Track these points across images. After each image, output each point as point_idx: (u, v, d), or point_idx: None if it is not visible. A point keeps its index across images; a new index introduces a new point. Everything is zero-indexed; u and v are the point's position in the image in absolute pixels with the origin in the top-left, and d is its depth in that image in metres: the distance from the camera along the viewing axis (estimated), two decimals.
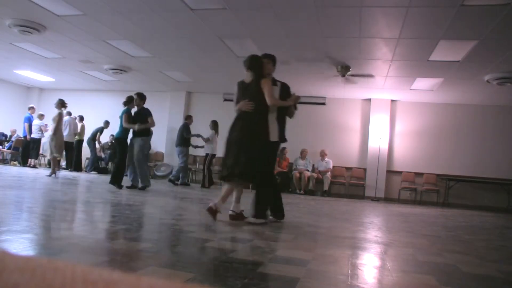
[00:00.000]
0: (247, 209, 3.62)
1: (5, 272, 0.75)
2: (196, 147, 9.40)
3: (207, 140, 9.06)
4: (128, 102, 6.65)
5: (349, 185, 10.67)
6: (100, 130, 11.32)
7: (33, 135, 10.82)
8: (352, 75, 8.51)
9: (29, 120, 10.97)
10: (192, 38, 7.17)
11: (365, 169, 10.64)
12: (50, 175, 7.49)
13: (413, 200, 10.29)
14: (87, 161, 11.82)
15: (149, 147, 11.25)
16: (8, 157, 12.23)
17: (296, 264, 1.92)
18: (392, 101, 10.71)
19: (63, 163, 11.27)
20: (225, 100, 11.71)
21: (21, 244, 1.79)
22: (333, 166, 10.60)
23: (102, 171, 11.19)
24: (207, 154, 9.11)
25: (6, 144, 12.18)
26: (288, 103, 3.54)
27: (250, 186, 3.63)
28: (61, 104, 7.69)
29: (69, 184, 6.52)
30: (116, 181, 6.37)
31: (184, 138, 9.04)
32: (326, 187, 10.25)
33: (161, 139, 12.02)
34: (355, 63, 7.83)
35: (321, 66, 8.17)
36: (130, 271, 1.51)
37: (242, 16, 5.99)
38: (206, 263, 1.79)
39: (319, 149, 10.61)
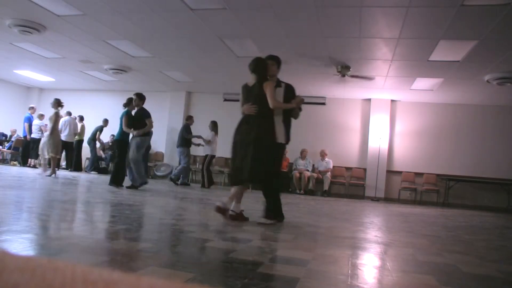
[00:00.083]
0: (247, 209, 3.61)
1: (5, 272, 0.75)
2: (198, 145, 9.38)
3: (208, 142, 9.06)
4: (128, 103, 6.69)
5: (349, 185, 10.67)
6: (100, 129, 11.32)
7: (33, 135, 10.82)
8: (352, 76, 8.51)
9: (29, 120, 10.98)
10: (192, 38, 7.17)
11: (365, 169, 10.64)
12: (50, 175, 7.49)
13: (413, 200, 10.29)
14: (87, 161, 11.82)
15: (149, 147, 11.30)
16: (8, 157, 12.23)
17: (296, 264, 1.92)
18: (392, 101, 10.71)
19: (63, 163, 11.27)
20: (225, 100, 11.71)
21: (21, 244, 1.79)
22: (333, 166, 10.60)
23: (102, 171, 11.19)
24: (206, 155, 9.12)
25: (6, 144, 12.18)
26: (290, 105, 3.53)
27: (250, 186, 3.62)
28: (58, 103, 7.68)
29: (69, 184, 6.52)
30: (116, 182, 6.45)
31: (185, 138, 9.04)
32: (326, 187, 10.25)
33: (161, 139, 12.02)
34: (355, 63, 7.83)
35: (321, 66, 8.17)
36: (130, 271, 1.51)
37: (242, 16, 5.99)
38: (206, 263, 1.79)
39: (319, 149, 10.61)
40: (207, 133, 9.33)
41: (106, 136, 11.63)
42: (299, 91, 3.86)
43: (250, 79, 3.62)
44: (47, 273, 0.78)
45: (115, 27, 6.91)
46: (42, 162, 7.90)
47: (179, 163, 9.34)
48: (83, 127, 11.35)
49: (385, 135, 10.50)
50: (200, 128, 10.22)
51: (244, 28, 6.46)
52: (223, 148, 10.48)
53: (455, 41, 6.25)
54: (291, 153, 10.39)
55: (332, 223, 4.04)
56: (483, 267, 2.24)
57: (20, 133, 11.72)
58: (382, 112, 10.63)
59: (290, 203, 5.99)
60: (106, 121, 11.42)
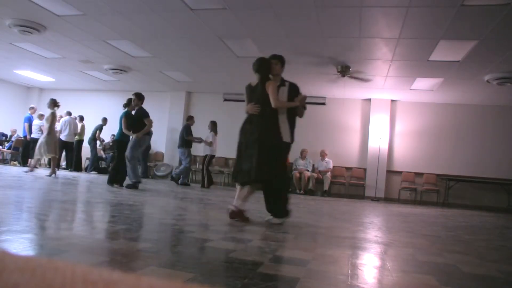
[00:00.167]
0: (249, 209, 3.61)
1: (5, 272, 0.75)
2: (200, 141, 9.35)
3: (210, 144, 9.05)
4: (128, 104, 6.72)
5: (349, 185, 10.67)
6: (99, 128, 11.31)
7: (33, 135, 10.82)
8: (352, 77, 8.51)
9: (29, 120, 10.98)
10: (192, 38, 7.17)
11: (365, 169, 10.64)
12: (50, 175, 7.49)
13: (413, 200, 10.29)
14: (87, 161, 11.82)
15: (149, 147, 11.30)
16: (8, 157, 12.23)
17: (296, 264, 1.92)
18: (392, 101, 10.71)
19: (63, 163, 11.28)
20: (225, 100, 11.72)
21: (21, 244, 1.79)
22: (333, 166, 10.60)
23: (102, 171, 11.19)
24: (206, 155, 9.12)
25: (6, 144, 12.18)
26: (293, 104, 3.52)
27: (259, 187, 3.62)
28: (54, 103, 7.67)
29: (69, 184, 6.52)
30: (113, 181, 6.54)
31: (185, 139, 9.04)
32: (326, 187, 10.25)
33: (161, 139, 12.03)
34: (355, 63, 7.83)
35: (321, 66, 8.17)
36: (130, 271, 1.51)
37: (242, 16, 5.99)
38: (206, 263, 1.79)
39: (319, 149, 10.62)
40: (206, 133, 9.33)
41: (106, 136, 11.61)
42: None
43: (254, 79, 3.63)
44: (47, 273, 0.78)
45: (115, 27, 6.91)
46: (33, 162, 7.88)
47: (179, 163, 9.35)
48: (83, 127, 11.35)
49: (385, 135, 10.50)
50: (200, 128, 10.22)
51: (244, 28, 6.46)
52: (223, 148, 10.51)
53: (455, 41, 6.25)
54: (291, 153, 10.32)
55: (332, 223, 4.04)
56: (483, 267, 2.24)
57: (20, 133, 11.72)
58: (382, 112, 10.63)
59: (290, 203, 5.98)
60: (105, 120, 11.41)
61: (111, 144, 11.49)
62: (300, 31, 6.42)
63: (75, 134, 11.04)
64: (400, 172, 10.50)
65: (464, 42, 6.24)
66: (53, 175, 7.51)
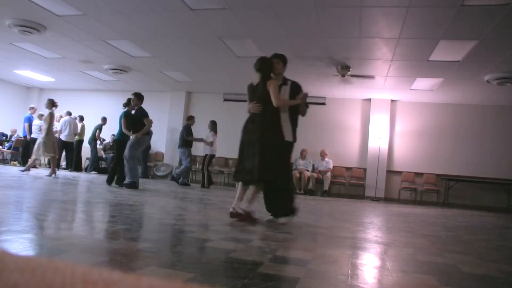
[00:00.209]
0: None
1: (5, 272, 0.75)
2: (201, 141, 9.33)
3: (211, 144, 9.03)
4: (128, 104, 6.75)
5: (349, 185, 10.67)
6: (99, 127, 11.30)
7: (33, 135, 10.81)
8: (352, 75, 8.50)
9: (29, 120, 10.97)
10: (192, 38, 7.17)
11: (365, 169, 10.64)
12: (50, 175, 7.48)
13: (413, 200, 10.29)
14: (87, 161, 11.82)
15: (149, 146, 11.30)
16: (8, 157, 12.23)
17: (296, 264, 1.92)
18: (392, 101, 10.71)
19: (63, 163, 11.27)
20: (225, 100, 11.72)
21: (21, 244, 1.79)
22: (333, 166, 10.60)
23: (102, 171, 11.19)
24: (206, 154, 9.11)
25: (6, 144, 12.18)
26: (295, 102, 3.51)
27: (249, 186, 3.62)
28: (51, 103, 7.66)
29: (69, 184, 6.52)
30: (113, 180, 6.60)
31: (186, 139, 9.03)
32: (326, 187, 10.25)
33: (161, 139, 12.03)
34: (355, 63, 7.83)
35: (321, 66, 8.17)
36: (130, 271, 1.51)
37: (242, 16, 5.99)
38: (206, 263, 1.79)
39: (319, 149, 10.61)
40: (206, 133, 9.32)
41: (106, 136, 11.60)
42: None
43: (254, 78, 3.64)
44: (47, 273, 0.78)
45: (115, 27, 6.91)
46: (29, 162, 7.84)
47: (179, 163, 9.34)
48: (83, 127, 11.35)
49: (385, 135, 10.50)
50: (200, 128, 10.21)
51: (244, 28, 6.46)
52: (223, 148, 10.51)
53: (455, 41, 6.25)
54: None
55: (332, 223, 4.04)
56: (483, 267, 2.24)
57: (20, 133, 11.72)
58: (382, 112, 10.63)
59: (295, 202, 5.98)
60: (104, 119, 11.40)
61: (111, 144, 11.49)
62: (300, 31, 6.42)
63: (75, 134, 11.04)
64: (400, 172, 10.50)
65: (464, 42, 6.24)
66: (53, 175, 7.51)
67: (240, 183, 3.57)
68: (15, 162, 11.83)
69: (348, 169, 10.83)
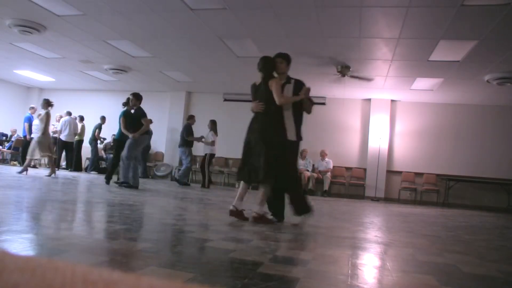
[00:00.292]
0: (247, 208, 3.62)
1: (5, 272, 0.75)
2: (202, 138, 9.27)
3: (212, 144, 9.01)
4: (127, 103, 6.77)
5: (349, 185, 10.67)
6: (98, 127, 11.29)
7: (33, 135, 10.80)
8: (352, 77, 8.50)
9: (29, 120, 10.97)
10: (192, 38, 7.17)
11: (365, 169, 10.64)
12: (49, 175, 7.47)
13: (413, 200, 10.29)
14: (87, 161, 11.82)
15: (149, 146, 11.30)
16: (8, 157, 12.23)
17: (296, 264, 1.92)
18: (392, 101, 10.71)
19: (63, 163, 11.27)
20: (225, 100, 11.72)
21: (21, 244, 1.79)
22: (333, 166, 10.60)
23: (102, 171, 11.19)
24: (206, 154, 9.09)
25: (6, 144, 12.18)
26: (298, 97, 3.51)
27: (250, 186, 3.63)
28: (47, 103, 7.64)
29: (69, 184, 6.52)
30: (111, 179, 6.74)
31: (186, 139, 9.02)
32: (326, 187, 10.25)
33: (161, 139, 12.03)
34: (355, 63, 7.83)
35: (321, 66, 8.16)
36: (130, 271, 1.51)
37: (242, 16, 5.99)
38: (206, 263, 1.79)
39: (319, 149, 10.61)
40: (206, 133, 9.30)
41: (106, 135, 11.57)
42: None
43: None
44: (47, 273, 0.78)
45: (115, 27, 6.91)
46: (26, 162, 7.80)
47: (179, 163, 9.32)
48: (83, 127, 11.34)
49: (385, 135, 10.50)
50: (200, 128, 10.21)
51: (244, 28, 6.46)
52: (223, 148, 10.51)
53: (455, 41, 6.25)
54: None
55: (332, 223, 4.04)
56: (483, 267, 2.24)
57: (20, 133, 11.72)
58: (382, 112, 10.63)
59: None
60: (103, 118, 11.38)
61: (112, 144, 11.49)
62: (300, 31, 6.41)
63: (75, 134, 11.03)
64: (400, 172, 10.50)
65: (464, 42, 6.24)
66: (53, 175, 7.50)
67: (241, 182, 3.57)
68: (15, 162, 11.83)
69: (348, 169, 10.82)
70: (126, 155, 6.42)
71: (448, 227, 4.68)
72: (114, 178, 7.12)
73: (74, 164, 11.02)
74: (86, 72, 10.56)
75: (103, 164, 11.69)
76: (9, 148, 11.99)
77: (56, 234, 2.21)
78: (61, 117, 11.11)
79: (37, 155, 7.44)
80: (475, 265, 2.26)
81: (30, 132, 10.85)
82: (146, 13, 6.16)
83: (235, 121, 11.22)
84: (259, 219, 3.35)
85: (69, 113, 11.04)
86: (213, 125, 9.14)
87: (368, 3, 5.24)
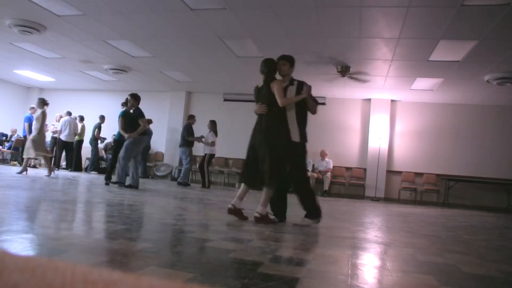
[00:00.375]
0: (247, 208, 3.62)
1: (5, 272, 0.75)
2: (201, 138, 9.22)
3: (212, 144, 9.00)
4: (126, 103, 6.77)
5: (349, 185, 10.67)
6: (98, 126, 11.28)
7: None
8: (351, 77, 8.50)
9: (29, 120, 10.93)
10: (192, 38, 7.17)
11: (365, 169, 10.64)
12: (48, 175, 7.46)
13: (413, 200, 10.29)
14: (87, 161, 11.81)
15: (149, 147, 11.29)
16: (8, 157, 12.23)
17: (296, 264, 1.92)
18: (392, 101, 10.71)
19: (63, 163, 11.27)
20: (225, 100, 11.72)
21: (21, 244, 1.79)
22: (333, 166, 10.60)
23: (102, 171, 11.19)
24: (205, 154, 9.08)
25: (6, 144, 12.18)
26: (300, 97, 3.49)
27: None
28: (43, 102, 7.62)
29: (69, 184, 6.52)
30: (109, 179, 6.76)
31: (186, 139, 9.01)
32: (326, 187, 10.25)
33: (161, 139, 12.03)
34: (355, 63, 7.83)
35: (321, 66, 8.16)
36: (130, 271, 1.51)
37: (242, 16, 5.99)
38: (206, 263, 1.79)
39: (319, 149, 10.61)
40: (206, 133, 9.29)
41: (106, 134, 11.55)
42: None
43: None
44: (47, 273, 0.78)
45: (115, 27, 6.91)
46: (24, 162, 7.76)
47: (180, 163, 9.29)
48: (83, 127, 11.34)
49: (385, 135, 10.50)
50: (200, 128, 10.21)
51: (244, 28, 6.46)
52: (223, 148, 10.51)
53: (455, 41, 6.25)
54: None
55: (332, 223, 4.04)
56: (483, 267, 2.24)
57: (20, 133, 11.71)
58: (382, 112, 10.63)
59: (290, 203, 5.99)
60: (102, 118, 11.36)
61: (112, 144, 11.48)
62: (300, 31, 6.41)
63: (75, 134, 11.03)
64: (400, 172, 10.50)
65: (464, 42, 6.24)
66: (52, 174, 7.49)
67: (243, 184, 3.59)
68: (15, 162, 11.83)
69: (348, 169, 10.82)
70: (123, 156, 6.43)
71: (448, 227, 4.68)
72: (114, 178, 7.12)
73: (74, 164, 11.02)
74: (86, 72, 10.56)
75: (103, 164, 11.68)
76: (9, 148, 11.99)
77: (56, 234, 2.21)
78: (61, 117, 11.11)
79: (32, 154, 7.41)
80: (475, 265, 2.26)
81: (30, 132, 10.83)
82: (146, 13, 6.15)
83: (235, 121, 11.23)
84: (261, 219, 3.36)
85: (69, 113, 11.04)
86: (213, 125, 9.12)
87: (368, 3, 5.24)
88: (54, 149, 11.19)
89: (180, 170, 9.68)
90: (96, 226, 2.73)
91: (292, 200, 3.76)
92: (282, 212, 3.66)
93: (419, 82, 8.78)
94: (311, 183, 10.20)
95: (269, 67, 3.55)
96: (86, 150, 11.46)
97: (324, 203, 7.24)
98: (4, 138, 12.36)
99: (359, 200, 9.57)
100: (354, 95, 10.54)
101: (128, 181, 6.60)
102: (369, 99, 10.77)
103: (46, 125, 10.73)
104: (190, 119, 9.39)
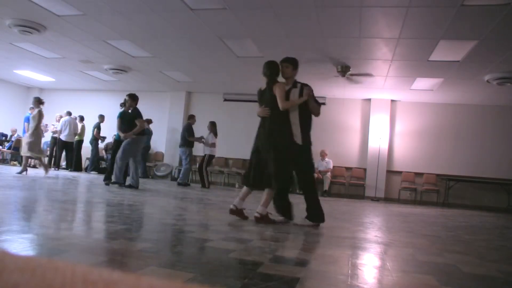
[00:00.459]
0: (248, 208, 3.62)
1: (5, 272, 0.75)
2: (201, 138, 9.20)
3: (212, 146, 8.99)
4: (125, 104, 6.79)
5: (349, 185, 10.67)
6: (97, 126, 11.27)
7: None
8: (352, 76, 8.50)
9: (29, 120, 10.96)
10: (192, 38, 7.17)
11: (365, 169, 10.64)
12: (46, 173, 7.41)
13: (413, 200, 10.29)
14: (87, 161, 11.81)
15: (148, 147, 11.29)
16: (8, 157, 12.23)
17: (296, 264, 1.92)
18: (392, 101, 10.71)
19: (63, 163, 11.27)
20: (225, 100, 11.72)
21: (21, 244, 1.79)
22: (333, 166, 10.60)
23: (102, 171, 11.18)
24: (205, 155, 9.07)
25: (6, 144, 12.18)
26: (301, 99, 3.49)
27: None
28: (38, 101, 7.58)
29: (69, 184, 6.52)
30: (109, 179, 6.77)
31: (186, 139, 9.00)
32: (326, 187, 10.25)
33: (161, 139, 12.02)
34: (355, 63, 7.82)
35: (321, 66, 8.16)
36: (130, 271, 1.51)
37: (242, 16, 5.99)
38: (206, 263, 1.79)
39: (319, 149, 10.60)
40: (206, 135, 9.27)
41: (106, 134, 11.54)
42: None
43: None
44: (47, 273, 0.78)
45: (115, 27, 6.91)
46: (23, 162, 7.69)
47: (179, 163, 9.28)
48: (83, 127, 11.34)
49: (385, 135, 10.50)
50: (200, 129, 10.21)
51: (244, 28, 6.46)
52: (223, 148, 10.51)
53: (455, 41, 6.25)
54: None
55: (332, 223, 4.04)
56: (483, 267, 2.24)
57: (20, 133, 11.72)
58: (382, 112, 10.63)
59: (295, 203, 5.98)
60: (102, 117, 11.33)
61: (112, 144, 11.46)
62: (300, 31, 6.41)
63: (75, 134, 11.03)
64: (400, 172, 10.50)
65: (464, 42, 6.24)
66: (47, 173, 7.44)
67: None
68: (15, 162, 11.83)
69: (348, 169, 10.82)
70: (120, 156, 6.44)
71: (448, 227, 4.68)
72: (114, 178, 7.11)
73: (74, 164, 11.02)
74: (86, 72, 10.56)
75: (103, 164, 11.68)
76: (9, 148, 11.99)
77: (56, 234, 2.21)
78: (61, 117, 11.11)
79: (26, 153, 7.39)
80: (475, 265, 2.26)
81: None
82: (146, 13, 6.15)
83: (235, 121, 11.24)
84: (261, 219, 3.36)
85: (69, 113, 11.04)
86: (212, 126, 9.11)
87: (368, 3, 5.24)
88: (54, 149, 11.19)
89: (180, 170, 9.67)
90: (96, 226, 2.73)
91: (295, 200, 3.76)
92: (288, 211, 3.66)
93: (419, 82, 8.78)
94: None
95: (272, 70, 3.55)
96: (86, 150, 11.45)
97: (324, 203, 7.22)
98: (4, 138, 12.36)
99: (359, 200, 9.57)
100: (354, 95, 10.54)
101: (128, 181, 6.61)
102: (369, 99, 10.77)
103: (46, 125, 10.79)
104: (190, 119, 9.38)
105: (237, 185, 11.01)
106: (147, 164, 11.55)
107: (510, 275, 2.16)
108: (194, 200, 5.59)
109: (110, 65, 9.54)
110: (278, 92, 3.43)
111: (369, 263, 2.14)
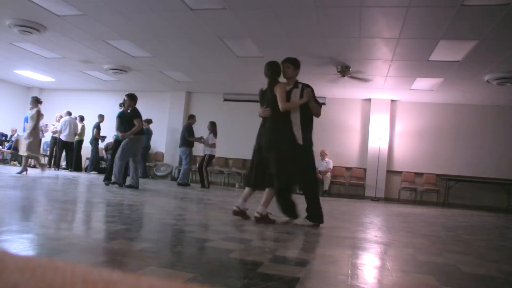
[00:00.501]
0: (250, 208, 3.63)
1: (5, 272, 0.75)
2: (201, 138, 9.20)
3: (212, 146, 8.98)
4: (124, 104, 6.79)
5: (349, 185, 10.67)
6: (97, 126, 11.27)
7: None
8: (352, 77, 8.50)
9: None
10: (192, 38, 7.17)
11: (365, 169, 10.64)
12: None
13: (413, 200, 10.29)
14: (87, 161, 11.81)
15: (148, 147, 11.28)
16: (8, 157, 12.23)
17: (296, 264, 1.92)
18: (392, 101, 10.71)
19: (63, 163, 11.27)
20: (225, 100, 11.72)
21: (21, 244, 1.79)
22: (333, 166, 10.60)
23: (102, 171, 11.18)
24: (205, 155, 9.07)
25: (6, 144, 12.18)
26: (301, 101, 3.49)
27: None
28: (36, 101, 7.56)
29: (69, 184, 6.52)
30: (109, 179, 6.77)
31: (186, 138, 8.99)
32: (326, 187, 10.25)
33: (161, 139, 12.02)
34: (355, 63, 7.82)
35: (321, 66, 8.16)
36: (130, 271, 1.51)
37: (242, 16, 5.99)
38: (206, 263, 1.79)
39: (319, 149, 10.59)
40: (206, 135, 9.27)
41: (106, 134, 11.53)
42: None
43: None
44: (47, 273, 0.78)
45: (115, 27, 6.91)
46: (23, 161, 7.64)
47: (179, 163, 9.28)
48: (83, 127, 11.33)
49: (385, 135, 10.50)
50: (200, 129, 10.21)
51: (244, 28, 6.46)
52: (223, 148, 10.51)
53: (455, 41, 6.25)
54: None
55: (332, 223, 4.04)
56: (483, 267, 2.24)
57: (20, 133, 11.71)
58: (382, 112, 10.63)
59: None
60: (101, 117, 11.32)
61: (113, 145, 11.45)
62: (300, 31, 6.41)
63: (75, 134, 11.02)
64: (400, 172, 10.50)
65: (464, 42, 6.24)
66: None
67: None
68: (15, 162, 11.83)
69: (348, 169, 10.82)
70: (119, 156, 6.44)
71: (448, 227, 4.68)
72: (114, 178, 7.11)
73: (74, 164, 11.01)
74: (86, 72, 10.56)
75: (103, 164, 11.67)
76: (9, 148, 11.99)
77: (56, 234, 2.21)
78: (61, 117, 11.10)
79: (24, 153, 7.38)
80: (475, 265, 2.26)
81: None
82: (146, 13, 6.15)
83: (235, 121, 11.24)
84: (261, 219, 3.36)
85: (69, 113, 11.03)
86: (212, 127, 9.10)
87: (368, 3, 5.24)
88: (54, 149, 11.19)
89: (180, 170, 9.67)
90: (96, 226, 2.73)
91: (295, 200, 3.76)
92: (292, 210, 3.67)
93: (419, 82, 8.78)
94: None
95: (273, 70, 3.55)
96: (86, 150, 11.45)
97: (324, 203, 7.23)
98: (4, 138, 12.36)
99: (359, 200, 9.57)
100: (354, 95, 10.54)
101: (128, 181, 6.61)
102: (369, 99, 10.77)
103: (46, 125, 10.79)
104: (190, 119, 9.37)
105: (237, 185, 11.01)
106: (147, 164, 11.54)
107: (510, 275, 2.15)
108: (194, 200, 5.59)
109: (110, 65, 9.54)
110: (278, 92, 3.43)
111: (369, 263, 2.14)
